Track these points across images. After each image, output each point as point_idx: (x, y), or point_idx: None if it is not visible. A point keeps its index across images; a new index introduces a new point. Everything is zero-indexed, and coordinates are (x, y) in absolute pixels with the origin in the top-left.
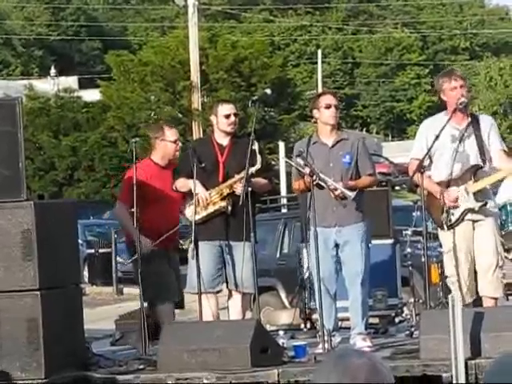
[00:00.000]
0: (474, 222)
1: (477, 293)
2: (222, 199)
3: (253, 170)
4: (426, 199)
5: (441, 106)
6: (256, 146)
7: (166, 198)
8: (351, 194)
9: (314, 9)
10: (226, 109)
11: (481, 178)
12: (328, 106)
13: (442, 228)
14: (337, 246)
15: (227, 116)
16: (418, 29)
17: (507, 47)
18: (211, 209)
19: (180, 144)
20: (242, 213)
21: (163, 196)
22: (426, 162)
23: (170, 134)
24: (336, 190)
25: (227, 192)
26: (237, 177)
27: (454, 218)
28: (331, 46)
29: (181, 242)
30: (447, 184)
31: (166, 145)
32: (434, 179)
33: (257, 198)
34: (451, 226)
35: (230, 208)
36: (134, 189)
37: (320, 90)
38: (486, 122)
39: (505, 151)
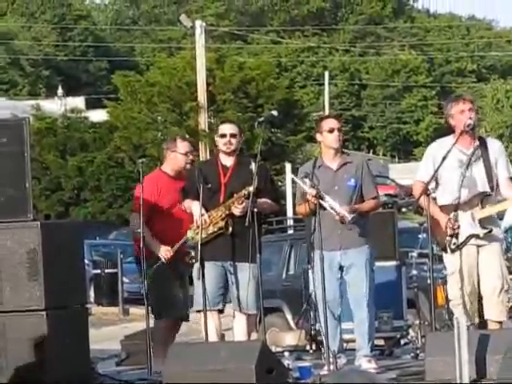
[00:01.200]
0: (478, 246)
1: (482, 316)
2: (222, 220)
3: (250, 189)
4: (431, 222)
5: (448, 129)
6: (253, 166)
7: (175, 210)
8: (349, 217)
9: (321, 30)
10: (222, 128)
11: (488, 205)
12: (331, 130)
13: (446, 251)
14: (341, 268)
15: (223, 136)
16: (425, 51)
17: None
18: (211, 230)
19: (190, 157)
20: (247, 234)
21: (174, 207)
22: (432, 185)
23: (182, 146)
24: (336, 213)
25: (226, 213)
26: (235, 196)
27: (458, 242)
28: (338, 68)
29: (192, 253)
30: (454, 208)
31: (176, 156)
32: (440, 203)
33: (263, 218)
34: (455, 250)
35: (230, 229)
36: (141, 210)
37: (327, 111)
38: (495, 147)
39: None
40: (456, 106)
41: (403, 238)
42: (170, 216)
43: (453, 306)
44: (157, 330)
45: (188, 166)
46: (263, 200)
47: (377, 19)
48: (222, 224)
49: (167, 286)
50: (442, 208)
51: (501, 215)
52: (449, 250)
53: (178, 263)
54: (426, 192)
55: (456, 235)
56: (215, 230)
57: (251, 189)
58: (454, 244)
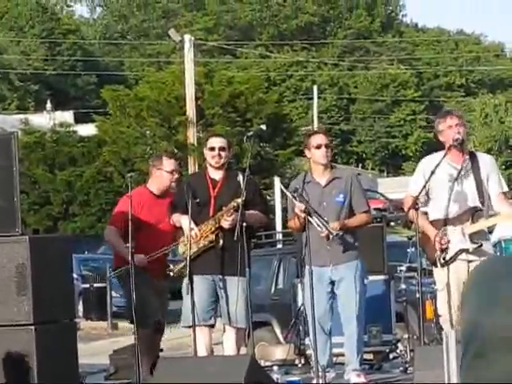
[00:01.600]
0: (468, 261)
1: None
2: (212, 233)
3: (238, 201)
4: (420, 236)
5: (437, 143)
6: (241, 179)
7: (156, 227)
8: (334, 233)
9: (309, 45)
10: (211, 142)
11: (478, 220)
12: (318, 146)
13: (436, 266)
14: (332, 282)
15: (211, 149)
16: (414, 65)
17: (502, 84)
18: (201, 244)
19: (176, 175)
20: (236, 247)
21: (154, 224)
22: (423, 199)
23: (168, 164)
24: (321, 229)
25: (216, 226)
26: (224, 209)
27: (447, 257)
28: (327, 82)
29: (170, 266)
30: (444, 223)
31: (161, 174)
32: (431, 217)
33: (252, 232)
34: (444, 264)
35: (221, 242)
36: (130, 220)
37: (316, 125)
38: (486, 161)
39: (505, 193)
40: (444, 123)
41: (392, 252)
42: (152, 233)
43: (443, 322)
44: (138, 341)
45: (173, 185)
46: (252, 212)
47: (365, 33)
48: (212, 237)
49: (141, 295)
50: (433, 223)
51: (490, 229)
52: (438, 265)
53: (152, 279)
54: (414, 206)
55: (445, 250)
56: (206, 243)
57: (240, 201)
58: (444, 259)
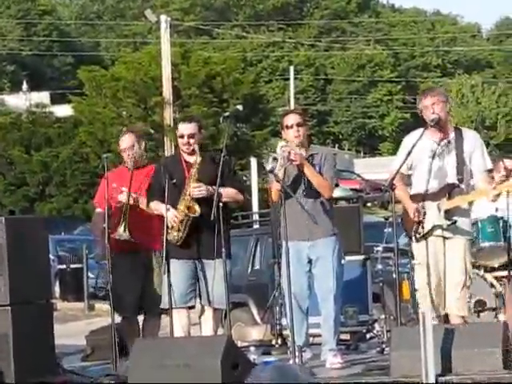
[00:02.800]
0: (445, 238)
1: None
2: (188, 209)
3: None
4: (402, 211)
5: (414, 123)
6: (216, 159)
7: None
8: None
9: (286, 25)
10: (179, 129)
11: (455, 197)
12: (290, 126)
13: (411, 239)
14: (310, 261)
15: (181, 136)
16: (390, 46)
17: (479, 64)
18: (182, 219)
19: (130, 152)
20: (213, 228)
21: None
22: (406, 173)
23: (121, 141)
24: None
25: (189, 199)
26: (187, 181)
27: (423, 231)
28: (303, 63)
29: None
30: (422, 198)
31: (123, 153)
32: (412, 191)
33: (229, 213)
34: (420, 239)
35: (197, 209)
36: (106, 207)
37: (292, 106)
38: (471, 139)
39: (490, 171)
40: (422, 102)
41: (368, 232)
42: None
43: (419, 297)
44: (121, 327)
45: (129, 163)
46: (227, 189)
47: (342, 14)
48: (187, 211)
49: (122, 281)
50: (413, 197)
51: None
52: (414, 239)
53: (139, 253)
54: (392, 185)
55: (421, 224)
56: (184, 217)
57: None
58: (419, 233)
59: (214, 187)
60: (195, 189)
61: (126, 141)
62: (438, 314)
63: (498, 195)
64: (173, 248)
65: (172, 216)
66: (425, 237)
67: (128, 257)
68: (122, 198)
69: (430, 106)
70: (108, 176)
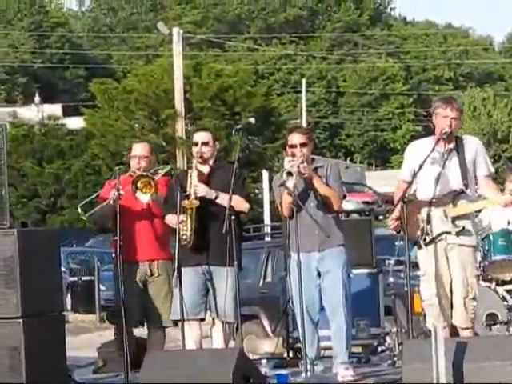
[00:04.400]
0: (447, 245)
1: None
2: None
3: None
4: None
5: (425, 136)
6: (229, 170)
7: (140, 212)
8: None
9: (298, 38)
10: (195, 137)
11: (461, 203)
12: (294, 146)
13: (416, 246)
14: (319, 274)
15: (195, 144)
16: (402, 59)
17: (491, 77)
18: (185, 219)
19: (143, 162)
20: (225, 238)
21: (133, 209)
22: (414, 186)
23: (133, 148)
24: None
25: (192, 201)
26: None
27: (428, 238)
28: (315, 75)
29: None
30: (427, 204)
31: (130, 160)
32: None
33: (242, 225)
34: (427, 245)
35: (195, 202)
36: (118, 218)
37: (304, 119)
38: (472, 144)
39: (491, 175)
40: (443, 109)
41: (380, 245)
42: (136, 218)
43: (426, 307)
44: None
45: (141, 169)
46: (233, 196)
47: (354, 27)
48: (186, 204)
49: (126, 296)
50: (417, 203)
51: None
52: (419, 245)
53: (140, 264)
54: (403, 198)
55: (424, 231)
56: (187, 217)
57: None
58: (425, 240)
59: (217, 191)
60: (196, 188)
61: (142, 149)
62: (447, 324)
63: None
64: (183, 256)
65: (179, 220)
66: (432, 242)
67: (128, 268)
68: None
69: (450, 119)
70: (109, 182)
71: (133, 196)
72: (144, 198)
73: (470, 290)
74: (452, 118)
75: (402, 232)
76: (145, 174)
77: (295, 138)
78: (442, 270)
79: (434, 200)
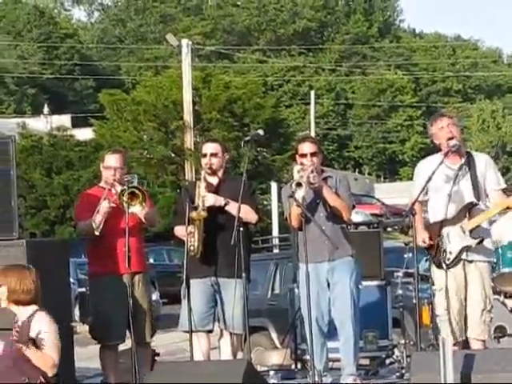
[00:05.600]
0: (466, 261)
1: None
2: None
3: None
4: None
5: (434, 148)
6: (238, 182)
7: (116, 223)
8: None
9: (307, 50)
10: (203, 148)
11: (476, 216)
12: (304, 155)
13: (441, 267)
14: (329, 285)
15: (204, 155)
16: (411, 71)
17: (500, 90)
18: (193, 231)
19: (118, 173)
20: (233, 250)
21: (113, 221)
22: (425, 198)
23: (106, 159)
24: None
25: (200, 213)
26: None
27: (451, 257)
28: (324, 87)
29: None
30: (442, 224)
31: (104, 171)
32: (430, 220)
33: (251, 237)
34: (449, 265)
35: (204, 213)
36: (127, 235)
37: (313, 130)
38: (482, 160)
39: (504, 190)
40: (435, 125)
41: (389, 257)
42: (111, 230)
43: (439, 322)
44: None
45: (114, 181)
46: (242, 205)
47: (363, 39)
48: (194, 215)
49: (106, 306)
50: (432, 225)
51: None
52: (444, 266)
53: (125, 277)
54: (412, 211)
55: (445, 251)
56: (195, 229)
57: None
58: (448, 259)
59: (226, 199)
60: (204, 197)
61: (118, 160)
62: (458, 340)
63: None
64: (191, 267)
65: (188, 232)
66: (454, 263)
67: (110, 280)
68: (104, 205)
69: (446, 127)
70: (84, 196)
71: (114, 209)
72: (136, 209)
73: (487, 302)
74: (447, 125)
75: (446, 259)
76: (130, 186)
77: (306, 147)
78: (459, 285)
79: (449, 219)
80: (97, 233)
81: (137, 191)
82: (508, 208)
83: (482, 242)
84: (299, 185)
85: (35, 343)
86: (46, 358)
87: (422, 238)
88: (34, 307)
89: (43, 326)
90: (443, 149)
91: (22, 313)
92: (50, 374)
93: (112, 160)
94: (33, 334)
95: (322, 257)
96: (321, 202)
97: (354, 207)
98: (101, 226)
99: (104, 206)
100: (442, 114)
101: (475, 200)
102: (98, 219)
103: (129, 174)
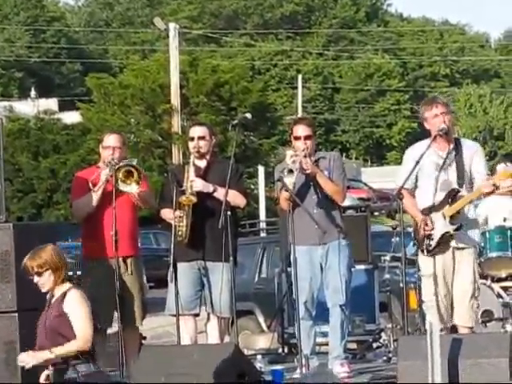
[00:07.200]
0: (454, 248)
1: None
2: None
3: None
4: (413, 223)
5: (421, 132)
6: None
7: (110, 204)
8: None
9: (294, 34)
10: (191, 132)
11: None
12: (298, 138)
13: (423, 252)
14: (321, 269)
15: (191, 139)
16: (399, 55)
17: (487, 74)
18: (181, 215)
19: (117, 152)
20: (220, 233)
21: (107, 202)
22: (411, 186)
23: (105, 139)
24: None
25: (188, 197)
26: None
27: (433, 243)
28: (311, 71)
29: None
30: (429, 211)
31: (102, 151)
32: (418, 206)
33: (238, 221)
34: (431, 252)
35: (193, 198)
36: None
37: (300, 115)
38: (470, 148)
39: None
40: (429, 111)
41: (376, 241)
42: (105, 209)
43: (426, 308)
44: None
45: (113, 162)
46: (230, 190)
47: (350, 23)
48: (183, 201)
49: (96, 289)
50: (421, 212)
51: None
52: (425, 252)
53: (114, 260)
54: (399, 196)
55: (430, 237)
56: (183, 213)
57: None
58: (430, 246)
59: (214, 185)
60: (192, 182)
61: (117, 139)
62: (445, 326)
63: (497, 187)
64: (178, 251)
65: (176, 215)
66: (435, 250)
67: (102, 264)
68: (105, 173)
69: (440, 115)
70: (79, 175)
71: (107, 190)
72: (131, 188)
73: (475, 288)
74: (441, 114)
75: (428, 245)
76: (126, 163)
77: (300, 130)
78: (446, 272)
79: (435, 206)
80: (93, 203)
81: (133, 170)
82: (487, 194)
83: (460, 228)
84: (291, 171)
85: (68, 319)
86: (78, 341)
87: (421, 221)
88: (68, 284)
89: (74, 303)
90: (433, 134)
91: (59, 290)
92: (86, 348)
93: (111, 139)
94: (67, 310)
95: (313, 240)
96: (313, 185)
97: (348, 188)
98: (98, 196)
99: (104, 174)
100: (436, 100)
101: (457, 186)
102: (97, 189)
103: (129, 158)
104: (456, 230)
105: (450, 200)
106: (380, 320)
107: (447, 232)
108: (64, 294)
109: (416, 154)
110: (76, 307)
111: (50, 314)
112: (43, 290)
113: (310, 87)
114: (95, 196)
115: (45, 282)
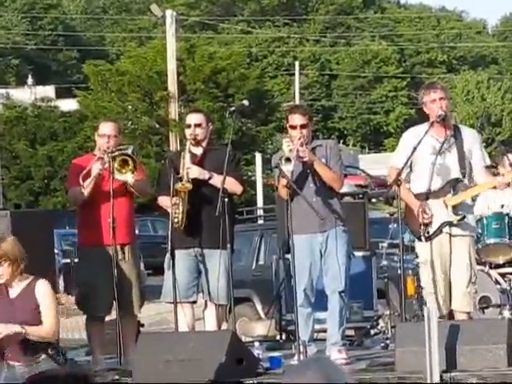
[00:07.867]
0: (451, 235)
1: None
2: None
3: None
4: (404, 210)
5: (418, 119)
6: (223, 152)
7: (106, 192)
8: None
9: (291, 20)
10: (187, 119)
11: (460, 192)
12: (294, 127)
13: (420, 240)
14: (321, 256)
15: (188, 126)
16: (396, 42)
17: (484, 61)
18: (177, 202)
19: (112, 140)
20: (218, 221)
21: (103, 190)
22: (406, 171)
23: (101, 127)
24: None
25: (184, 184)
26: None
27: (431, 231)
28: (308, 58)
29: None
30: (426, 197)
31: (98, 139)
32: (414, 191)
33: (234, 208)
34: (429, 238)
35: (188, 185)
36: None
37: (297, 101)
38: (470, 135)
39: (487, 166)
40: (428, 95)
41: (374, 228)
42: (100, 198)
43: (425, 295)
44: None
45: (110, 149)
46: (227, 177)
47: (347, 9)
48: (179, 187)
49: (93, 277)
50: (416, 196)
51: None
52: (423, 239)
53: (111, 247)
54: (397, 181)
55: (429, 224)
56: (179, 200)
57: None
58: (428, 233)
59: (211, 172)
60: (189, 169)
61: (112, 127)
62: (442, 313)
63: (509, 184)
64: (175, 238)
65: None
66: (433, 236)
67: (99, 251)
68: (96, 167)
69: (438, 101)
70: (76, 163)
71: (104, 177)
72: (126, 177)
73: (472, 274)
74: (440, 99)
75: (426, 231)
76: (121, 152)
77: (296, 119)
78: (444, 258)
79: (433, 191)
80: (85, 195)
81: (128, 159)
82: (494, 188)
83: (463, 218)
84: (288, 160)
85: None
86: (48, 329)
87: (418, 208)
88: (30, 276)
89: (45, 293)
90: (431, 119)
91: (21, 282)
92: (53, 340)
93: (106, 127)
94: (40, 301)
95: (313, 228)
96: (310, 174)
97: (346, 176)
98: (89, 189)
99: (95, 168)
100: (435, 85)
101: (461, 176)
102: (88, 181)
103: (126, 145)
104: (460, 220)
105: (452, 189)
106: (378, 306)
107: (450, 222)
108: (32, 286)
109: (413, 137)
110: (48, 298)
111: (18, 306)
112: (0, 281)
113: (307, 74)
114: (86, 191)
115: (3, 272)
